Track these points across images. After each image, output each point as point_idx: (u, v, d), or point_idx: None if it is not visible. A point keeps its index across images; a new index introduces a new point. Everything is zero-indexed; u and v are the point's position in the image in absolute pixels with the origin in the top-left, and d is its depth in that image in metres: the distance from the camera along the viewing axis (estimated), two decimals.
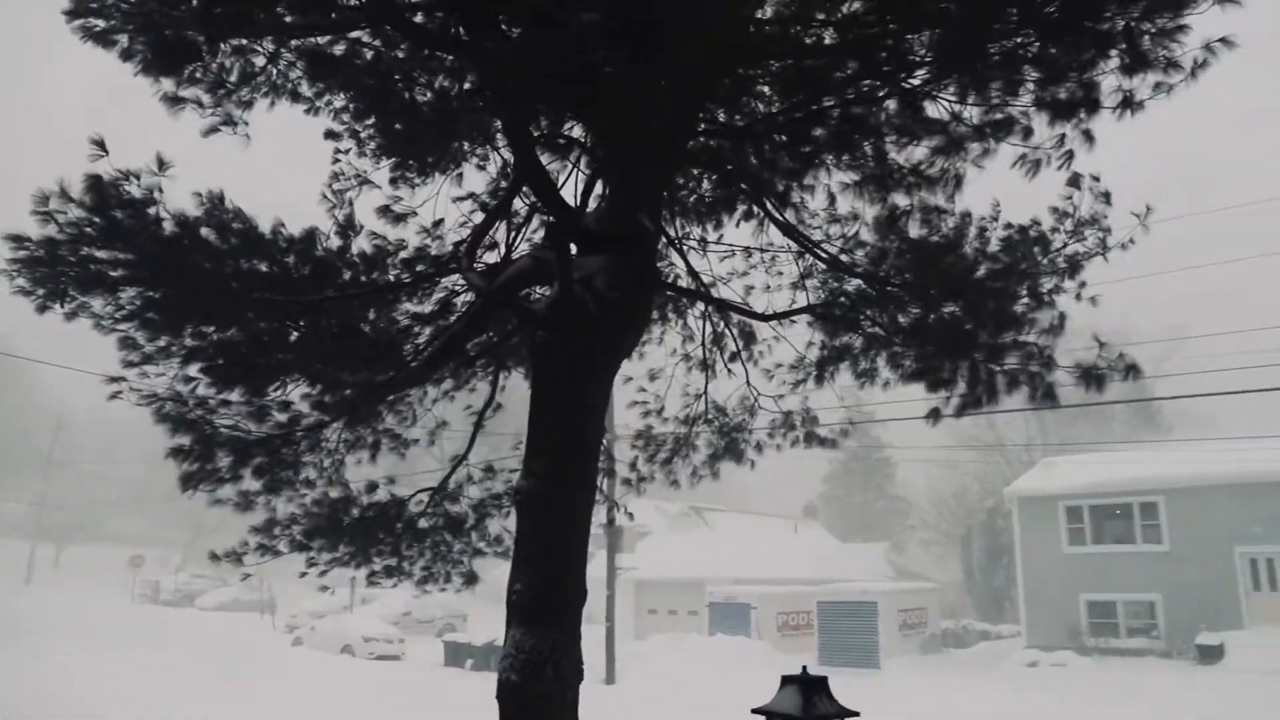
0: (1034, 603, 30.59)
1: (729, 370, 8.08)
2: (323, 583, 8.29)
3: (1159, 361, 49.60)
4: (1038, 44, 5.10)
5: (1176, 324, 45.83)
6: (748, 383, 7.98)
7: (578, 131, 6.94)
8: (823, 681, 3.60)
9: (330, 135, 7.46)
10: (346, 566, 8.13)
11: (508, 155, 6.99)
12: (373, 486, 8.13)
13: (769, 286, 7.72)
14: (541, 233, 7.04)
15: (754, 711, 3.67)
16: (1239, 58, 5.30)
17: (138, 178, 5.72)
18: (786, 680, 3.65)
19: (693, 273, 7.43)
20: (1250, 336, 27.96)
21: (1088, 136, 5.69)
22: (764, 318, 7.30)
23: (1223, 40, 5.09)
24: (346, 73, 6.45)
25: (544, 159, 6.51)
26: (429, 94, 6.59)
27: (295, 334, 7.21)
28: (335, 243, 7.16)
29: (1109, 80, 5.46)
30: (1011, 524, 32.82)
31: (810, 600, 32.03)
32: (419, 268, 7.66)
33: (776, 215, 6.96)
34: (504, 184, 7.30)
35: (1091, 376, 6.42)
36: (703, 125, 6.28)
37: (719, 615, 33.54)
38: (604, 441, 9.10)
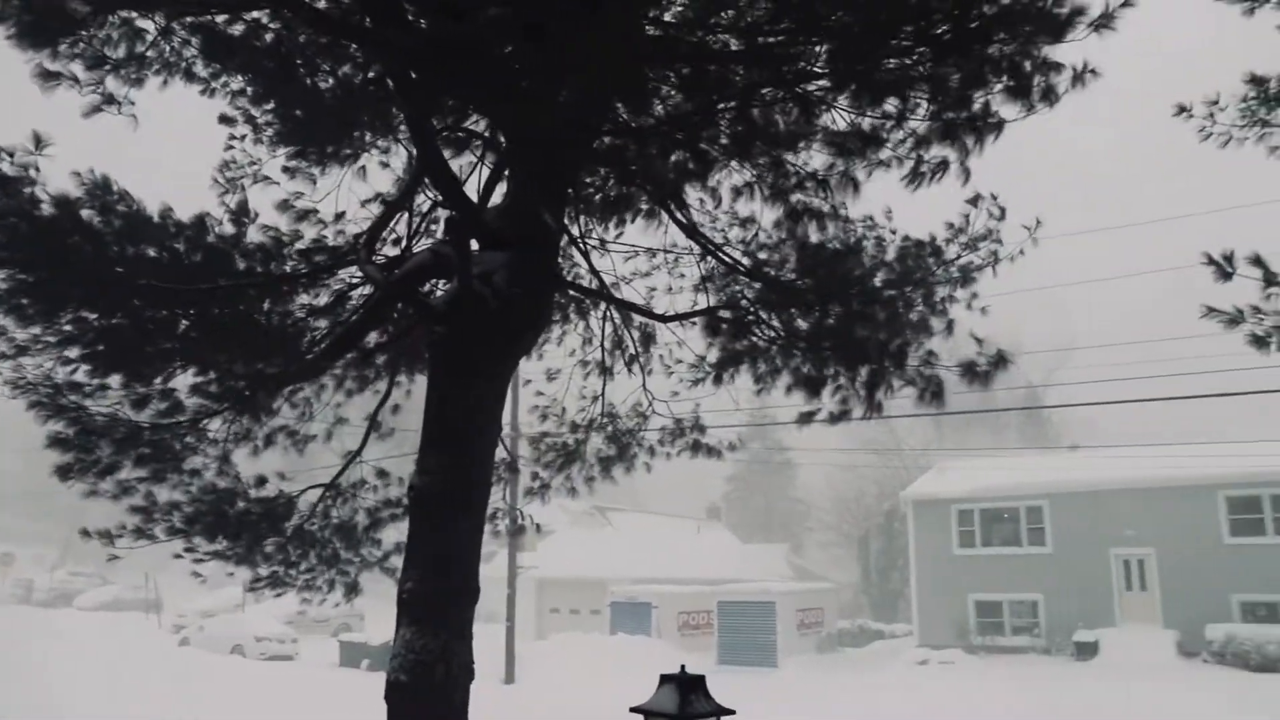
0: (925, 603, 31.60)
1: (629, 372, 8.11)
2: (196, 569, 7.96)
3: (1050, 371, 51.85)
4: (930, 63, 5.28)
5: (1068, 335, 48.01)
6: (644, 387, 8.01)
7: (482, 126, 6.88)
8: (700, 680, 3.65)
9: (225, 120, 7.23)
10: (227, 560, 7.85)
11: (411, 148, 6.88)
12: (261, 481, 7.89)
13: (670, 288, 7.78)
14: (442, 227, 6.95)
15: (632, 710, 3.70)
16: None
17: (11, 155, 5.44)
18: (665, 679, 3.69)
19: (594, 272, 7.44)
20: (1133, 349, 29.47)
21: (964, 157, 5.89)
22: (664, 319, 7.35)
23: (1090, 71, 5.38)
24: (245, 54, 6.26)
25: (447, 153, 6.43)
26: (331, 81, 6.45)
27: (185, 322, 6.96)
28: (229, 230, 6.94)
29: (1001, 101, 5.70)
30: (907, 526, 33.84)
31: (711, 600, 32.42)
32: (316, 259, 7.48)
33: (679, 217, 7.02)
34: (406, 177, 7.18)
35: (974, 373, 6.66)
36: (607, 125, 6.30)
37: (620, 615, 33.66)
38: (506, 441, 9.03)
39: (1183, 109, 6.05)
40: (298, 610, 36.98)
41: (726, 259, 7.13)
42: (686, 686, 3.58)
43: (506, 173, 6.55)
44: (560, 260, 7.24)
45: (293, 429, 8.49)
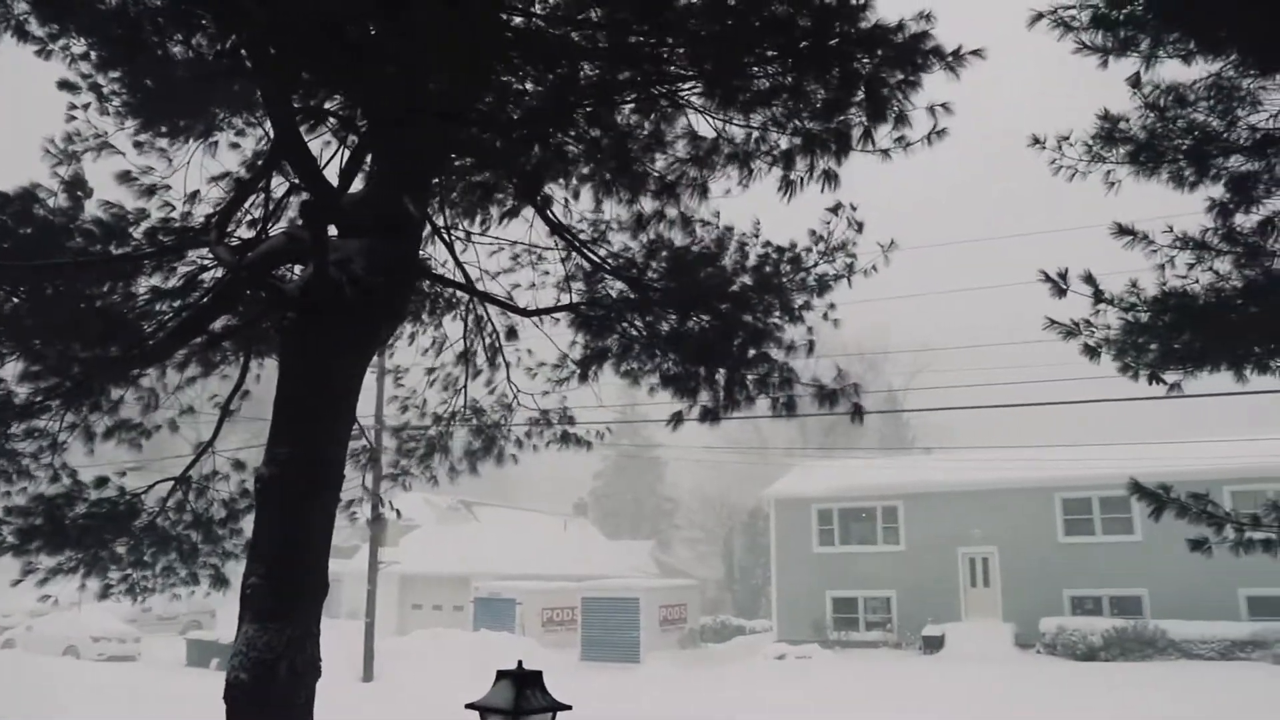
0: (785, 599, 32.53)
1: (490, 365, 8.01)
2: (43, 592, 7.48)
3: (910, 375, 54.09)
4: (793, 75, 5.43)
5: (928, 342, 50.20)
6: (508, 379, 7.95)
7: (346, 108, 6.65)
8: (536, 676, 3.64)
9: (66, 86, 6.76)
10: (73, 574, 7.37)
11: (267, 126, 6.59)
12: (101, 481, 7.42)
13: (534, 284, 7.73)
14: (298, 211, 6.68)
15: (467, 706, 3.66)
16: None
17: None
18: (501, 675, 3.66)
19: (459, 264, 7.33)
20: (987, 357, 31.07)
21: (828, 176, 6.10)
22: (527, 314, 7.30)
23: (943, 105, 5.66)
24: (87, 16, 5.86)
25: (306, 133, 6.19)
26: (185, 50, 6.11)
27: (15, 300, 6.50)
28: (63, 203, 6.50)
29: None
30: (769, 525, 34.74)
31: (575, 596, 32.46)
32: (163, 238, 7.09)
33: (545, 213, 6.98)
34: (261, 157, 6.88)
35: (825, 395, 6.86)
36: (474, 114, 6.20)
37: (484, 611, 33.33)
38: (369, 432, 8.78)
39: (1036, 140, 6.39)
40: (141, 608, 35.05)
41: (592, 257, 7.14)
42: (523, 682, 3.56)
43: (368, 158, 6.37)
44: (424, 251, 7.10)
45: (135, 422, 8.03)
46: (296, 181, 6.71)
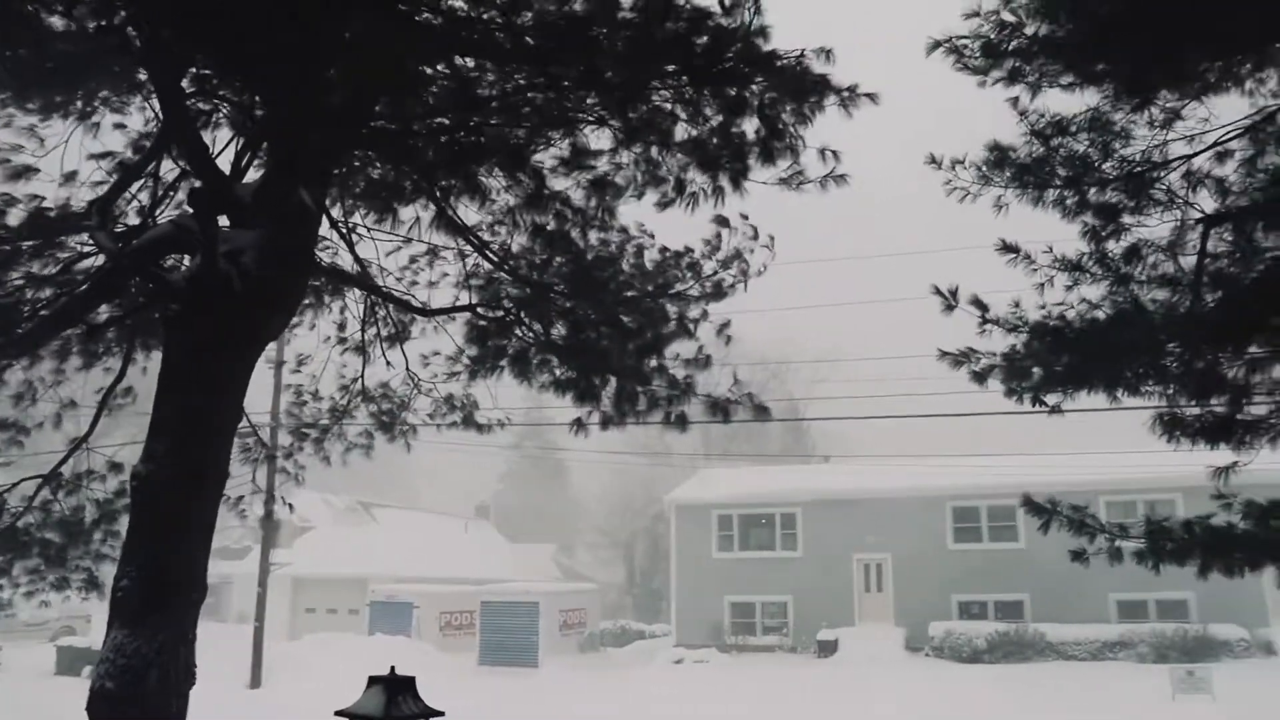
0: (684, 604, 32.77)
1: (387, 362, 7.84)
2: None
3: (812, 384, 55.12)
4: (690, 91, 5.48)
5: (831, 351, 51.32)
6: (407, 369, 7.78)
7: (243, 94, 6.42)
8: (410, 682, 3.56)
9: None
10: None
11: (157, 108, 6.30)
12: None
13: (434, 282, 7.60)
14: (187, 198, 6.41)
15: (336, 714, 3.56)
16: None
17: None
18: (373, 681, 3.57)
19: (357, 260, 7.14)
20: (885, 368, 31.92)
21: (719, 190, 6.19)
22: (425, 312, 7.17)
23: (833, 153, 5.84)
24: None
25: (198, 118, 5.96)
26: (65, 22, 5.79)
27: None
28: None
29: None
30: (670, 530, 34.98)
31: (474, 600, 32.06)
32: (40, 224, 6.71)
33: (448, 213, 6.87)
34: (148, 140, 6.58)
35: (719, 408, 6.92)
36: (378, 108, 6.06)
37: (380, 614, 32.64)
38: (261, 430, 8.48)
39: (934, 160, 6.58)
40: (4, 613, 33.16)
41: (491, 258, 7.06)
42: (394, 688, 3.48)
43: (265, 146, 6.16)
44: (321, 244, 6.91)
45: (9, 419, 7.59)
46: (185, 167, 6.45)
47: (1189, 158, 5.80)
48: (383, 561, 37.94)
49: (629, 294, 7.00)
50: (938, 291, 6.21)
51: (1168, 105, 5.74)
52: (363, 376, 7.81)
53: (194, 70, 5.78)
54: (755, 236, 7.05)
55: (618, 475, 55.43)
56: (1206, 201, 6.00)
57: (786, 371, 56.10)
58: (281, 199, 5.61)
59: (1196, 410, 6.12)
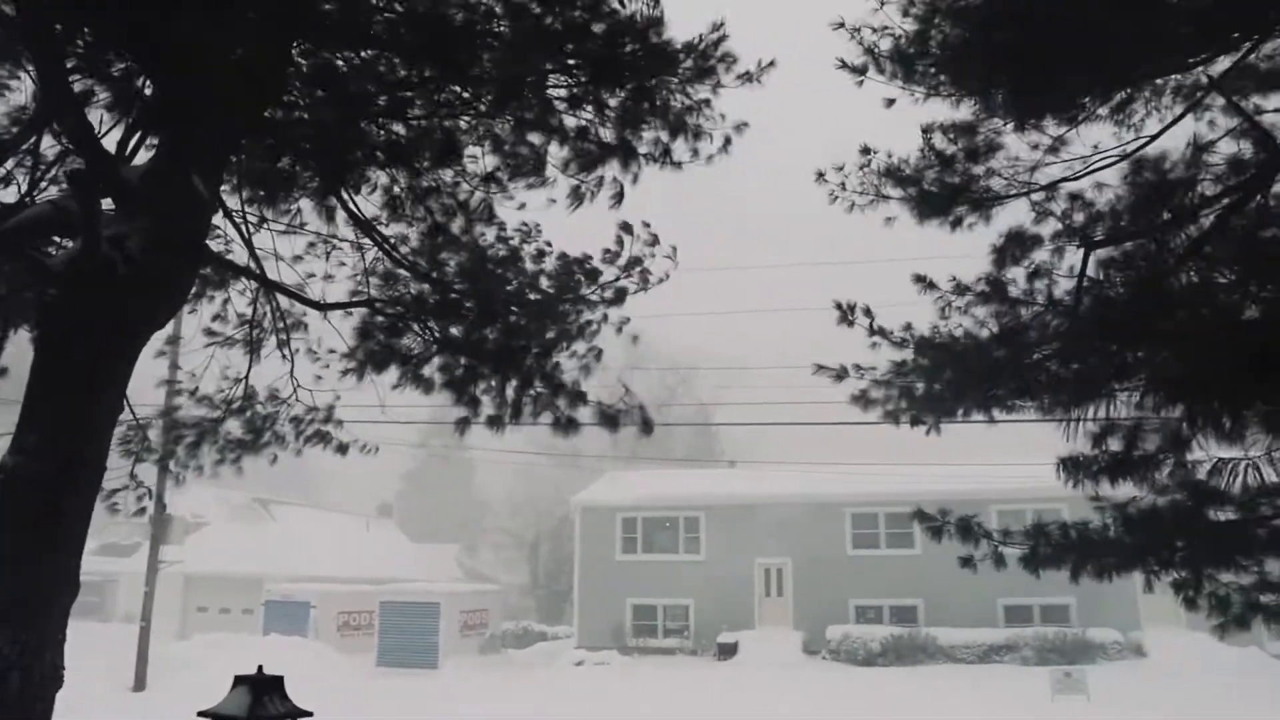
0: (587, 606, 32.77)
1: (284, 357, 7.61)
2: None
3: (720, 390, 55.75)
4: (589, 86, 5.51)
5: (739, 358, 51.96)
6: (291, 374, 7.55)
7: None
8: (277, 681, 3.47)
9: None
10: None
11: (35, 80, 6.00)
12: None
13: (330, 276, 7.40)
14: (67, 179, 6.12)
15: (199, 715, 3.45)
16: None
17: None
18: (239, 680, 3.48)
19: (251, 250, 6.92)
20: (791, 375, 32.45)
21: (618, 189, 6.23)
22: (319, 306, 6.99)
23: (743, 124, 5.91)
24: None
25: (84, 96, 5.70)
26: None
27: None
28: None
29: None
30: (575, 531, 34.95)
31: (374, 600, 31.47)
32: None
33: (349, 206, 6.72)
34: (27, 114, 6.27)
35: (606, 417, 6.92)
36: (277, 99, 5.90)
37: (275, 614, 31.74)
38: (145, 423, 8.12)
39: (820, 174, 6.71)
40: None
41: (393, 255, 6.93)
42: (261, 688, 3.39)
43: (156, 127, 5.93)
44: (213, 232, 6.68)
45: None
46: (68, 146, 6.17)
47: (1061, 181, 6.07)
48: (280, 560, 36.95)
49: (530, 296, 6.95)
50: (838, 306, 6.36)
51: (1049, 132, 5.99)
52: (248, 375, 7.55)
53: (80, 43, 5.53)
54: (655, 243, 7.08)
55: (524, 476, 55.12)
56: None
57: (695, 377, 56.65)
58: (172, 184, 5.42)
59: (1094, 452, 6.39)
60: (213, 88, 5.25)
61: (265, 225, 7.00)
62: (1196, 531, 6.40)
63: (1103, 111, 6.18)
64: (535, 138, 6.11)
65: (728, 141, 5.98)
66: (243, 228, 6.80)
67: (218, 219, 6.55)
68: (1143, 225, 5.49)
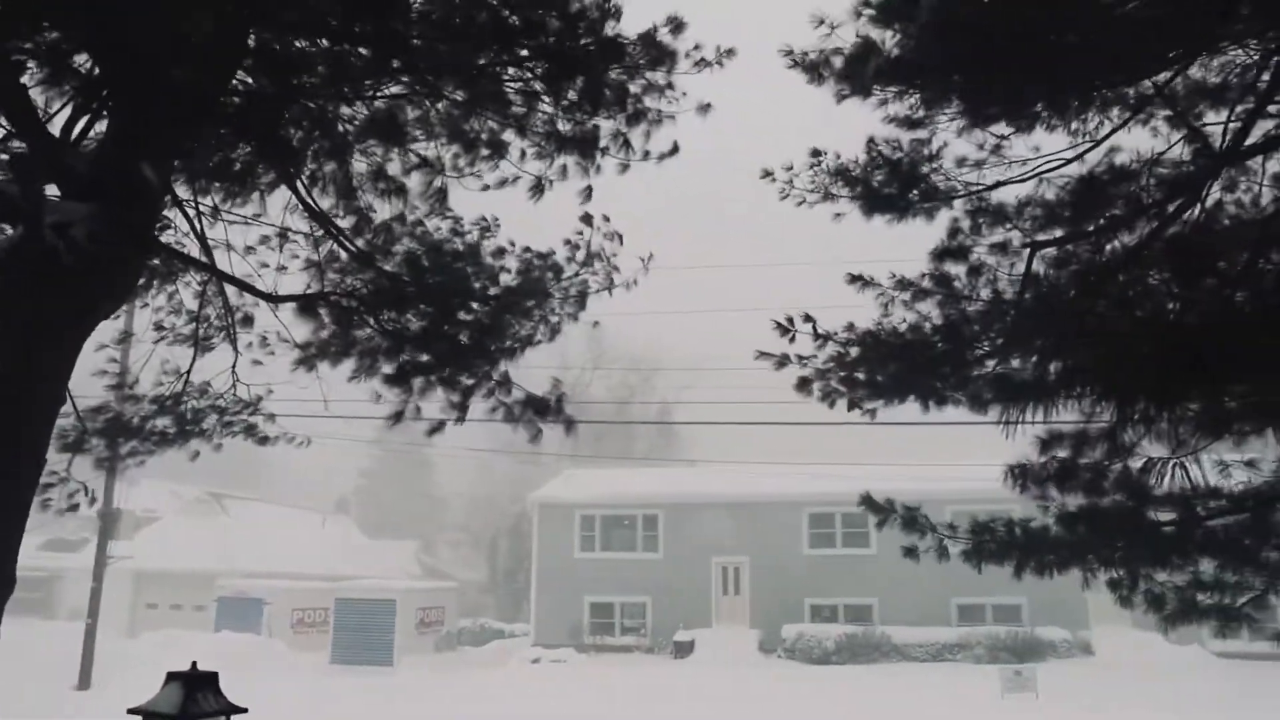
0: (544, 603, 32.69)
1: (234, 350, 7.48)
2: None
3: (681, 389, 55.87)
4: (548, 78, 5.50)
5: (700, 358, 52.11)
6: (233, 368, 7.43)
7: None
8: (212, 678, 3.42)
9: None
10: None
11: None
12: None
13: (283, 268, 7.29)
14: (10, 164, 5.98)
15: (129, 712, 3.40)
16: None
17: None
18: (171, 676, 3.42)
19: (201, 241, 6.80)
20: (752, 375, 32.61)
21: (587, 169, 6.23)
22: (271, 299, 6.89)
23: (706, 105, 5.95)
24: None
25: (14, 64, 5.55)
26: None
27: None
28: None
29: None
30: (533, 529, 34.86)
31: (329, 597, 31.16)
32: None
33: (305, 197, 6.63)
34: None
35: (540, 407, 6.88)
36: (230, 85, 5.81)
37: (228, 611, 31.31)
38: (82, 415, 7.91)
39: (767, 173, 6.75)
40: None
41: (348, 247, 6.86)
42: (195, 684, 3.34)
43: (105, 111, 5.82)
44: (163, 221, 6.56)
45: None
46: (11, 129, 6.03)
47: (1006, 182, 6.18)
48: (233, 555, 36.44)
49: (490, 291, 6.91)
50: (777, 324, 6.43)
51: (996, 133, 6.10)
52: (191, 369, 7.41)
53: (20, 20, 5.40)
54: (617, 240, 7.08)
55: (484, 473, 54.89)
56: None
57: (657, 375, 56.74)
58: (121, 170, 5.32)
59: (1042, 460, 6.50)
60: (162, 70, 5.16)
61: (219, 216, 6.89)
62: (1135, 531, 6.54)
63: (1055, 120, 6.30)
64: (492, 127, 6.08)
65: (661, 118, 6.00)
66: (194, 218, 6.69)
67: (170, 210, 6.46)
68: (1084, 228, 5.60)
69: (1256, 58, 5.59)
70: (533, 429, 6.76)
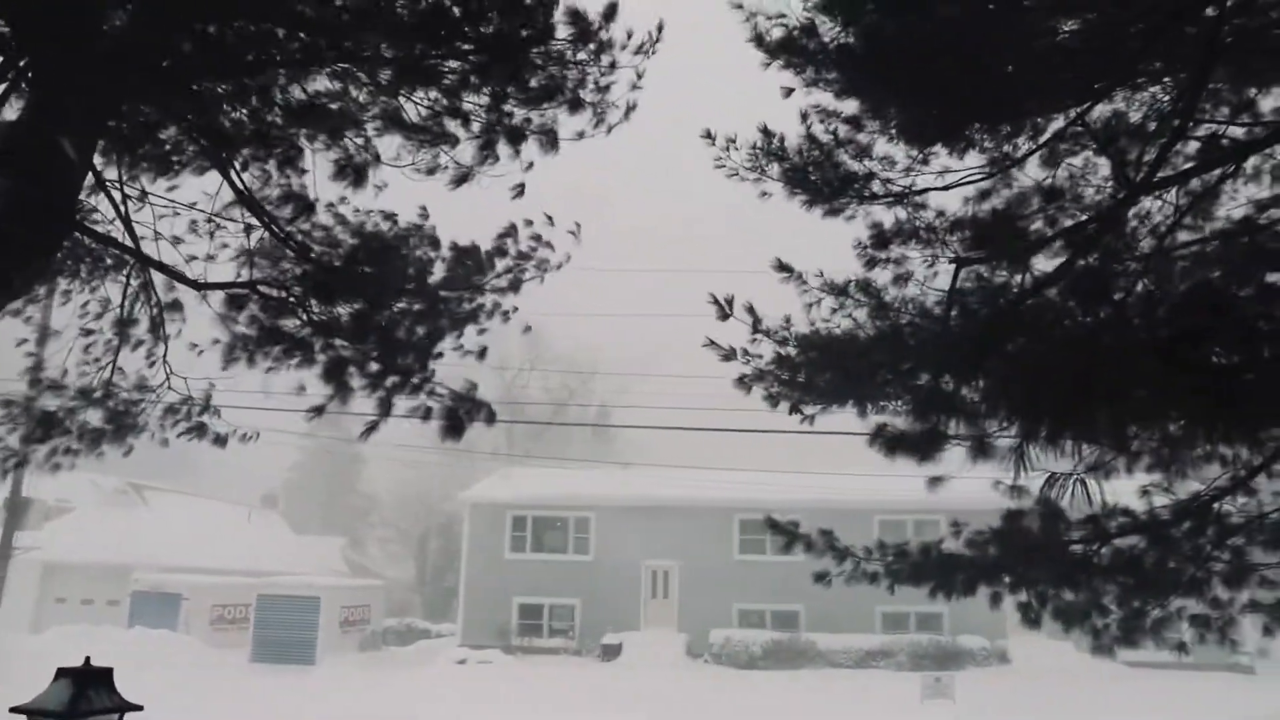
0: (473, 603, 32.39)
1: (162, 340, 7.27)
2: None
3: (619, 393, 55.89)
4: (486, 66, 5.49)
5: (639, 361, 52.20)
6: (164, 359, 7.22)
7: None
8: (106, 674, 3.31)
9: None
10: None
11: None
12: None
13: (212, 255, 7.11)
14: None
15: (12, 710, 3.27)
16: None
17: None
18: (62, 672, 3.30)
19: (126, 224, 6.59)
20: (686, 382, 32.79)
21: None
22: (198, 286, 6.72)
23: (638, 84, 6.01)
24: None
25: None
26: None
27: None
28: None
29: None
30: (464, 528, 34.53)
31: (252, 593, 30.44)
32: None
33: (236, 183, 6.48)
34: None
35: (453, 418, 6.83)
36: (159, 59, 5.65)
37: (143, 606, 30.35)
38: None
39: (709, 134, 6.72)
40: None
41: (279, 235, 6.72)
42: (85, 681, 3.23)
43: (24, 85, 5.62)
44: (84, 204, 6.36)
45: None
46: None
47: (931, 190, 6.32)
48: (151, 549, 35.34)
49: (424, 282, 6.84)
50: (715, 300, 6.45)
51: (924, 147, 6.23)
52: (116, 359, 7.17)
53: None
54: (546, 241, 7.07)
55: (416, 470, 54.18)
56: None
57: (595, 379, 56.68)
58: (38, 145, 5.14)
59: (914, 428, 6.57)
60: (85, 43, 5.01)
61: (146, 199, 6.69)
62: (1044, 552, 6.75)
63: (988, 143, 6.46)
64: (428, 115, 6.03)
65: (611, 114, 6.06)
66: (119, 202, 6.49)
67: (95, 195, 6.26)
68: (1003, 248, 5.77)
69: (1169, 97, 5.83)
70: (452, 428, 6.69)
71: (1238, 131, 5.95)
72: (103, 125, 5.88)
